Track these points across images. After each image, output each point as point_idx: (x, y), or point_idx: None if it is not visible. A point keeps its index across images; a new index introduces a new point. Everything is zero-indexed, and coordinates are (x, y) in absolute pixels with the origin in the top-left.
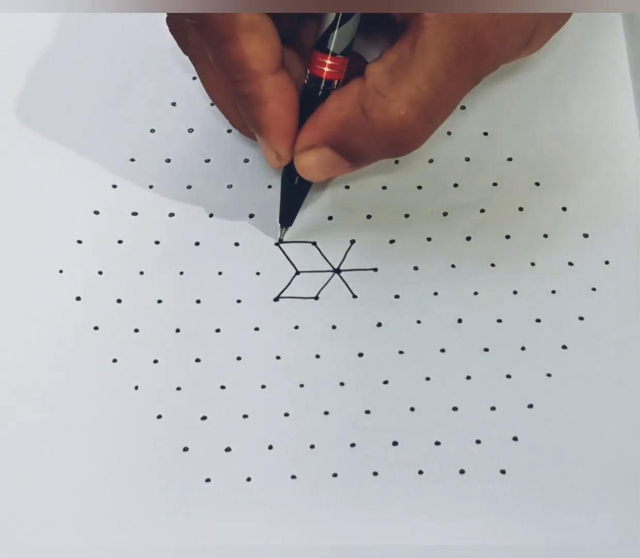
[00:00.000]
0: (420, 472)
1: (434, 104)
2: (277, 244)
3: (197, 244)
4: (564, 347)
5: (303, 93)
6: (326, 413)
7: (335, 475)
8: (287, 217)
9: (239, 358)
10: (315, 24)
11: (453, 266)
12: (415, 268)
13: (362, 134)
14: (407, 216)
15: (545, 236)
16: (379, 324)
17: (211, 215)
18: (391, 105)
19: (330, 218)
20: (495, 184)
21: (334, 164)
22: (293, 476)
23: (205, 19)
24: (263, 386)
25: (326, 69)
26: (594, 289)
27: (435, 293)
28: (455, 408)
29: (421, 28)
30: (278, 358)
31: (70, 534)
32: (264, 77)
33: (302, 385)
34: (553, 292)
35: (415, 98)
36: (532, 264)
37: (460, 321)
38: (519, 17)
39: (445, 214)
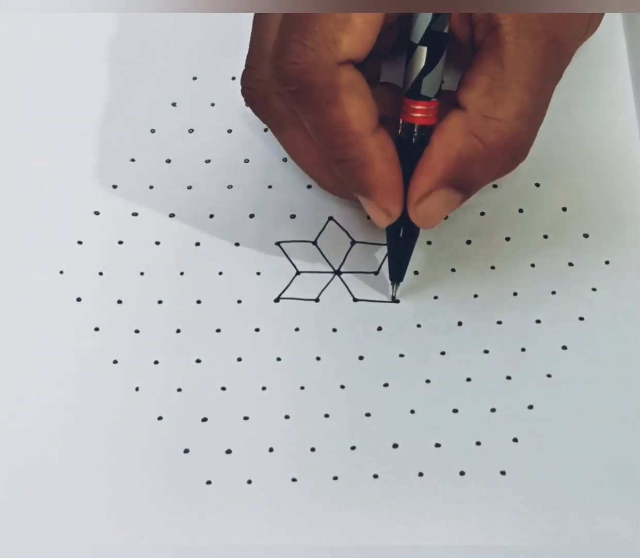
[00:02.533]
0: (421, 474)
1: (537, 112)
2: (277, 244)
3: (197, 244)
4: (564, 348)
5: (397, 144)
6: (327, 415)
7: (335, 477)
8: (398, 273)
9: (239, 359)
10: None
11: (453, 269)
12: (416, 272)
13: (480, 162)
14: None
15: (546, 236)
16: (379, 328)
17: (211, 215)
18: (504, 124)
19: (330, 218)
20: (495, 186)
21: (453, 202)
22: (293, 479)
23: (306, 85)
24: (264, 388)
25: (418, 114)
26: (594, 289)
27: (435, 296)
28: (455, 410)
29: (502, 43)
30: (279, 359)
31: (71, 534)
32: (366, 137)
33: (302, 387)
34: (553, 293)
35: (522, 112)
36: (532, 265)
37: (460, 323)
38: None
39: (445, 217)
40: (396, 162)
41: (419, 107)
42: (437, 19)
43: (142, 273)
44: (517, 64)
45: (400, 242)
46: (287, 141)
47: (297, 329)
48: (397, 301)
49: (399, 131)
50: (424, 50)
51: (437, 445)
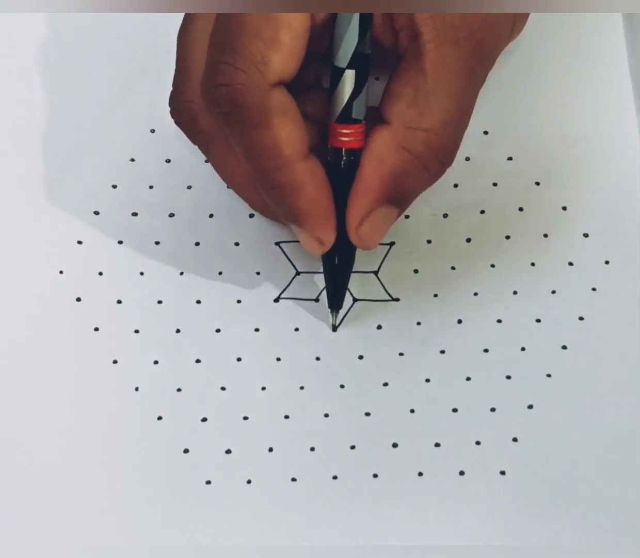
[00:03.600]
0: (420, 474)
1: (463, 117)
2: (277, 244)
3: (197, 244)
4: (564, 347)
5: (328, 168)
6: (326, 415)
7: (335, 477)
8: (336, 300)
9: (239, 359)
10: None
11: (453, 267)
12: (415, 271)
13: (412, 174)
14: (407, 217)
15: (545, 235)
16: (379, 327)
17: (211, 215)
18: (431, 135)
19: None
20: (495, 184)
21: (391, 218)
22: (293, 479)
23: (238, 107)
24: (263, 388)
25: (347, 139)
26: (594, 289)
27: (435, 295)
28: (455, 410)
29: (424, 52)
30: (278, 359)
31: (71, 534)
32: (297, 162)
33: (302, 387)
34: (553, 292)
35: (448, 120)
36: (532, 264)
37: (460, 322)
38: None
39: (445, 215)
40: (327, 188)
41: (347, 131)
42: (363, 41)
43: (141, 273)
44: (441, 73)
45: (337, 269)
46: (216, 162)
47: (296, 329)
48: (397, 299)
49: (328, 156)
50: (352, 74)
51: (437, 445)
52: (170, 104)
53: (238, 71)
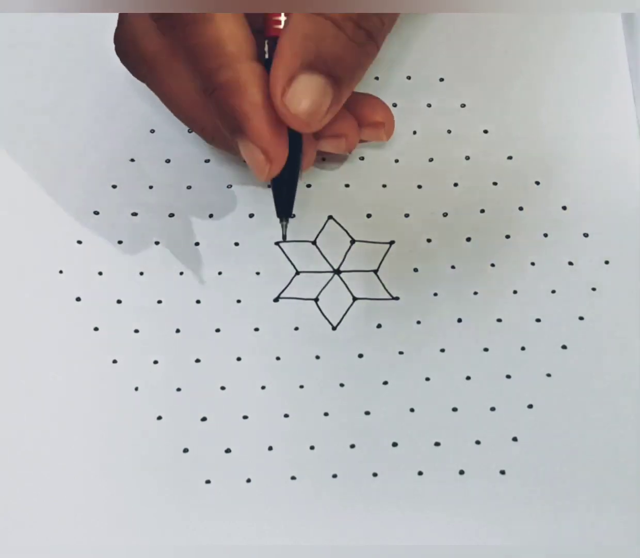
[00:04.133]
0: (420, 473)
1: None
2: (277, 243)
3: (197, 244)
4: (564, 347)
5: (265, 62)
6: (326, 414)
7: (335, 475)
8: (285, 208)
9: (239, 359)
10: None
11: (453, 266)
12: (415, 269)
13: (327, 36)
14: (407, 216)
15: (545, 235)
16: (379, 325)
17: (211, 215)
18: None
19: (330, 217)
20: (495, 184)
21: (319, 86)
22: (293, 477)
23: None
24: (263, 387)
25: (281, 26)
26: (594, 289)
27: (435, 294)
28: (454, 409)
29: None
30: (278, 358)
31: (70, 534)
32: (241, 62)
33: (302, 386)
34: (553, 292)
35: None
36: (532, 263)
37: (460, 321)
38: None
39: (445, 214)
40: (267, 93)
41: (282, 18)
42: None
43: (141, 273)
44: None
45: (284, 173)
46: (159, 86)
47: (296, 329)
48: (397, 298)
49: (265, 52)
50: None
51: (437, 444)
52: (114, 41)
53: None
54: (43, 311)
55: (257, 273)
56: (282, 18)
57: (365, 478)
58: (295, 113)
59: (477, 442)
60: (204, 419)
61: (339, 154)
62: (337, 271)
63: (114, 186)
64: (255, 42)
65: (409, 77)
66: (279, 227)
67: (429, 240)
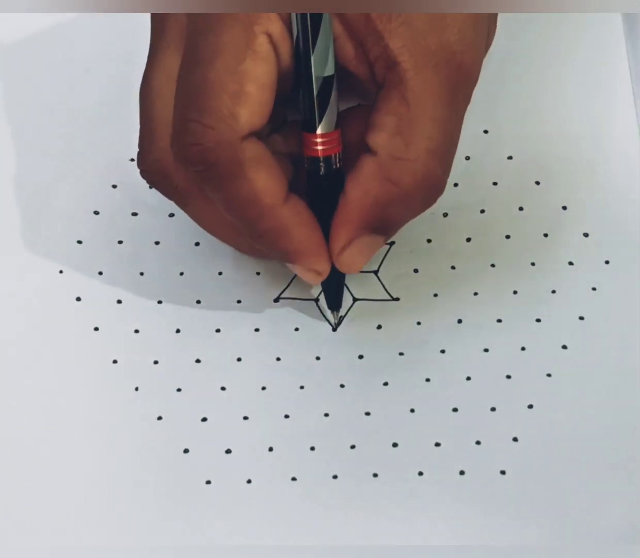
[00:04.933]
0: (420, 473)
1: (450, 145)
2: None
3: (197, 244)
4: (564, 347)
5: (308, 178)
6: (326, 414)
7: (335, 476)
8: (336, 302)
9: (239, 359)
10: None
11: (453, 267)
12: (415, 270)
13: (397, 204)
14: None
15: (546, 235)
16: (379, 326)
17: None
18: (416, 164)
19: None
20: (495, 184)
21: (375, 245)
22: (293, 478)
23: (212, 164)
24: (263, 388)
25: (320, 147)
26: (594, 289)
27: (435, 294)
28: (455, 409)
29: (404, 81)
30: (278, 359)
31: (70, 534)
32: (279, 208)
33: (302, 387)
34: (553, 292)
35: (434, 148)
36: (532, 264)
37: (460, 321)
38: (480, 27)
39: (445, 214)
40: (313, 224)
41: (316, 139)
42: (318, 66)
43: (141, 273)
44: (423, 100)
45: (333, 276)
46: (196, 216)
47: (296, 329)
48: (397, 299)
49: (306, 165)
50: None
51: (437, 444)
52: (139, 166)
53: (207, 128)
54: (43, 311)
55: (257, 273)
56: (319, 140)
57: (366, 479)
58: (347, 271)
59: (478, 442)
60: (204, 419)
61: None
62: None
63: (114, 186)
64: (286, 177)
65: None
66: (331, 312)
67: (429, 240)
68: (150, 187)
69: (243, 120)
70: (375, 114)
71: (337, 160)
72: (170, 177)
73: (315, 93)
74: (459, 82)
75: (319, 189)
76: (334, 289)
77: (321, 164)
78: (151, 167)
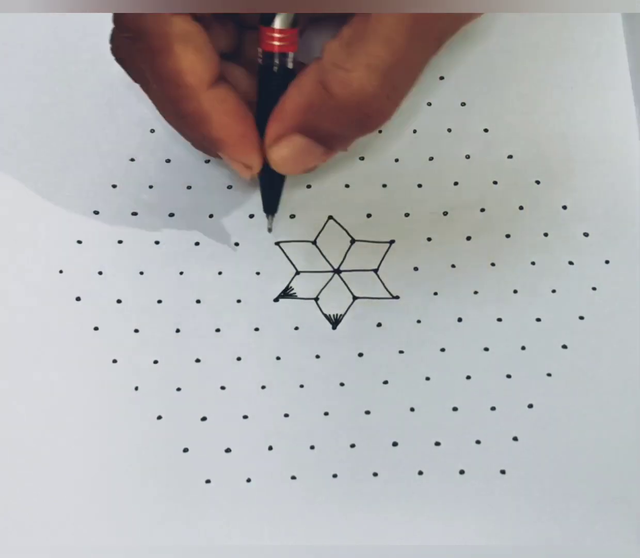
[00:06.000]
0: (420, 472)
1: (395, 70)
2: (277, 244)
3: (197, 244)
4: (564, 347)
5: (261, 74)
6: (326, 413)
7: (335, 475)
8: (270, 204)
9: (239, 359)
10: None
11: (453, 266)
12: (416, 269)
13: (328, 112)
14: (407, 215)
15: (546, 235)
16: (379, 324)
17: (211, 215)
18: (350, 76)
19: (330, 218)
20: (495, 183)
21: (308, 151)
22: (293, 477)
23: (139, 32)
24: (263, 387)
25: (277, 42)
26: (594, 288)
27: (435, 293)
28: (455, 408)
29: None
30: (278, 358)
31: (70, 534)
32: (202, 92)
33: (302, 386)
34: (553, 291)
35: (374, 65)
36: (533, 263)
37: (460, 320)
38: None
39: (445, 213)
40: (241, 114)
41: (273, 34)
42: None
43: (141, 273)
44: (383, 18)
45: (270, 179)
46: (152, 98)
47: (296, 328)
48: (397, 297)
49: (259, 59)
50: None
51: (437, 443)
52: (110, 42)
53: None
54: (43, 310)
55: (257, 273)
56: (277, 35)
57: (366, 478)
58: (276, 168)
59: (478, 442)
60: (204, 419)
61: (338, 153)
62: (337, 271)
63: (114, 186)
64: (218, 63)
65: None
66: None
67: (429, 239)
68: (116, 61)
69: None
70: (343, 27)
71: (290, 60)
72: (133, 57)
73: None
74: (431, 20)
75: (269, 86)
76: (268, 190)
77: (276, 61)
78: (118, 43)
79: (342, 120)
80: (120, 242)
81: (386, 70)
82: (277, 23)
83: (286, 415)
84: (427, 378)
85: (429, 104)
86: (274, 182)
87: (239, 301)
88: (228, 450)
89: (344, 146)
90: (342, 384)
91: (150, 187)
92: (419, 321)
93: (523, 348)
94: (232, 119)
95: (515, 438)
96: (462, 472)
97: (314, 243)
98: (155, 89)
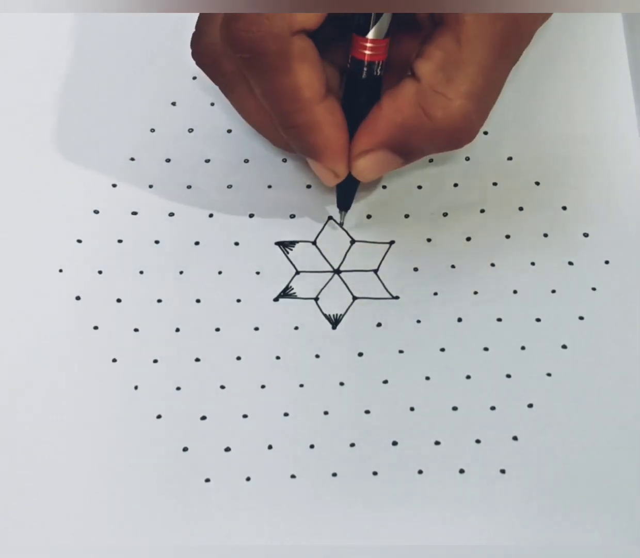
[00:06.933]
0: (420, 472)
1: (489, 94)
2: (277, 243)
3: (197, 244)
4: (564, 347)
5: (348, 79)
6: (326, 412)
7: (334, 474)
8: (345, 201)
9: (238, 358)
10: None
11: (453, 266)
12: (415, 269)
13: (422, 133)
14: (407, 216)
15: (545, 235)
16: (379, 324)
17: (211, 215)
18: (452, 103)
19: (330, 218)
20: (495, 184)
21: (390, 164)
22: (293, 476)
23: (259, 53)
24: (263, 386)
25: (368, 52)
26: (594, 289)
27: (435, 293)
28: (455, 408)
29: (461, 22)
30: (278, 358)
31: (70, 534)
32: (316, 104)
33: (301, 385)
34: (553, 291)
35: (473, 93)
36: (532, 263)
37: (460, 320)
38: None
39: (445, 214)
40: (343, 126)
41: (365, 43)
42: None
43: (141, 272)
44: (474, 44)
45: (349, 178)
46: (237, 102)
47: (296, 328)
48: (397, 297)
49: (348, 65)
50: None
51: (437, 443)
52: (191, 46)
53: (262, 17)
54: (43, 310)
55: (257, 273)
56: (369, 44)
57: (365, 477)
58: (358, 177)
59: (477, 441)
60: (203, 418)
61: None
62: (337, 271)
63: (114, 186)
64: (326, 76)
65: None
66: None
67: (429, 240)
68: (198, 65)
69: (299, 16)
70: (428, 45)
71: (379, 68)
72: (220, 61)
73: None
74: (513, 36)
75: (356, 91)
76: (346, 191)
77: (365, 68)
78: (204, 49)
79: (434, 141)
80: (120, 241)
81: (482, 96)
82: (371, 34)
83: (286, 414)
84: (427, 378)
85: None
86: (351, 183)
87: (238, 300)
88: (228, 449)
89: (418, 159)
90: (341, 383)
91: (151, 186)
92: (418, 321)
93: (523, 348)
94: (337, 131)
95: (515, 438)
96: (462, 471)
97: (314, 243)
98: (243, 94)
